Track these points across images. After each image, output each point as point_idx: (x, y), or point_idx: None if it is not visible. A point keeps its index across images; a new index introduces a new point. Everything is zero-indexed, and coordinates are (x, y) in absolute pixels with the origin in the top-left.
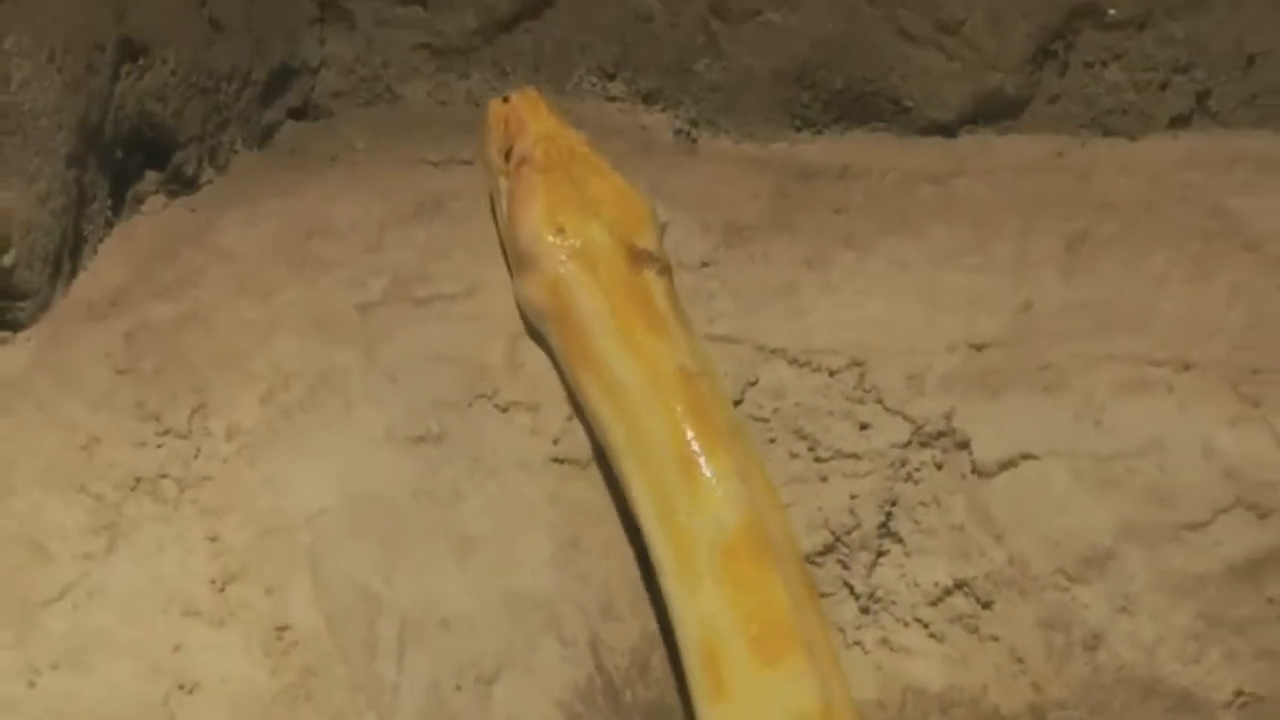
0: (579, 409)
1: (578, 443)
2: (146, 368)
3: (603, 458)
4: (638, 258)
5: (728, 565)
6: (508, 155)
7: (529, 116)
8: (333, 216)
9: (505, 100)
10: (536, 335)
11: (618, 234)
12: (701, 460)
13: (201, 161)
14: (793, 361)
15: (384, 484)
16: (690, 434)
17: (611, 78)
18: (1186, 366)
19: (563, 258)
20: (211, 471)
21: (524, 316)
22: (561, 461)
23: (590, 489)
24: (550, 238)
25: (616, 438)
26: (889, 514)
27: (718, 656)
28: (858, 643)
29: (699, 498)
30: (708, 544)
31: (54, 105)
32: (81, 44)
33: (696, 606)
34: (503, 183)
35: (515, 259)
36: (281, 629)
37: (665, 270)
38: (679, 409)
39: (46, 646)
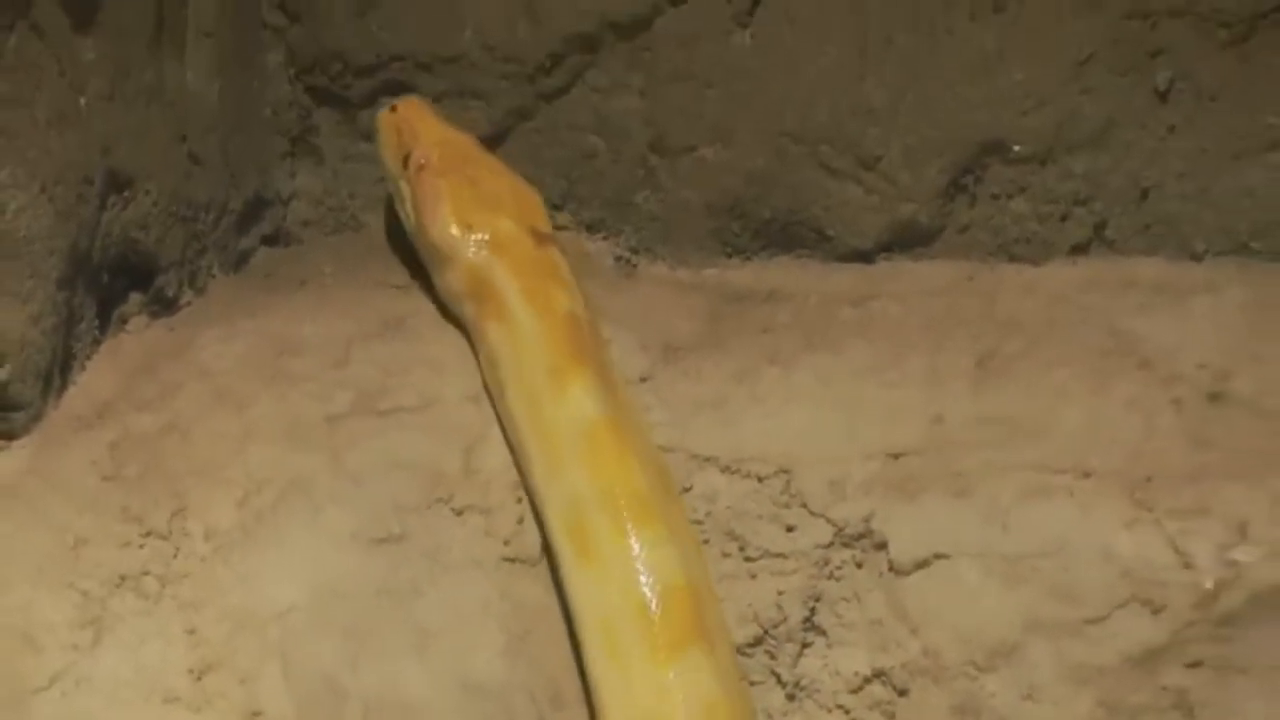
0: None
1: (527, 543)
2: (130, 474)
3: (548, 555)
4: (541, 240)
5: (590, 449)
6: (405, 160)
7: (420, 124)
8: (302, 335)
9: (393, 110)
10: (454, 319)
11: (520, 222)
12: (571, 369)
13: (182, 285)
14: (724, 469)
15: (349, 581)
16: (565, 350)
17: (559, 208)
18: (1086, 474)
19: (474, 249)
20: (190, 570)
21: (443, 303)
22: (512, 560)
23: (538, 586)
24: (460, 234)
25: (505, 364)
26: (813, 609)
27: (584, 526)
28: None
29: (564, 397)
30: (571, 433)
31: (46, 232)
32: (71, 177)
33: (561, 487)
34: (404, 186)
35: (429, 255)
36: (254, 715)
37: (563, 250)
38: (559, 334)
39: None
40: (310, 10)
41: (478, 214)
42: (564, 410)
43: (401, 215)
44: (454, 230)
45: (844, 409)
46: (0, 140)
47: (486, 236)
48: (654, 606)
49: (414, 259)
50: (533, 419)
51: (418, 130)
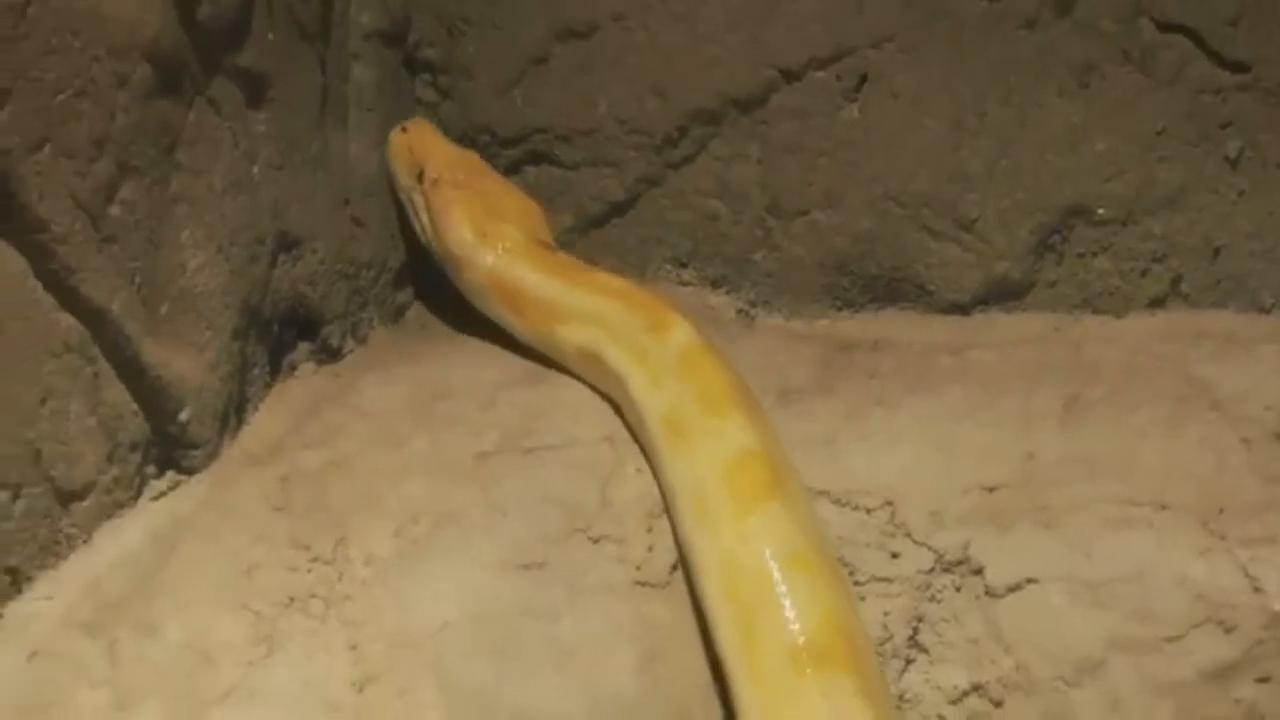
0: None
1: (657, 568)
2: (298, 506)
3: (677, 577)
4: (546, 247)
5: (687, 364)
6: (419, 176)
7: (430, 142)
8: (453, 381)
9: (404, 130)
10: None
11: (525, 231)
12: (667, 310)
13: (345, 335)
14: (835, 501)
15: (496, 604)
16: (650, 300)
17: (684, 266)
18: (1163, 507)
19: (491, 256)
20: (352, 592)
21: (470, 302)
22: (644, 585)
23: (668, 607)
24: (476, 241)
25: (589, 336)
26: (916, 628)
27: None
28: None
29: (663, 330)
30: (670, 358)
31: (222, 288)
32: (245, 238)
33: (656, 396)
34: (418, 199)
35: (448, 261)
36: None
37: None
38: (634, 292)
39: None
40: (460, 87)
41: (489, 224)
42: (665, 341)
43: (416, 226)
44: (469, 237)
45: (943, 447)
46: (182, 206)
47: (500, 244)
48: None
49: None
50: (639, 355)
51: (429, 148)
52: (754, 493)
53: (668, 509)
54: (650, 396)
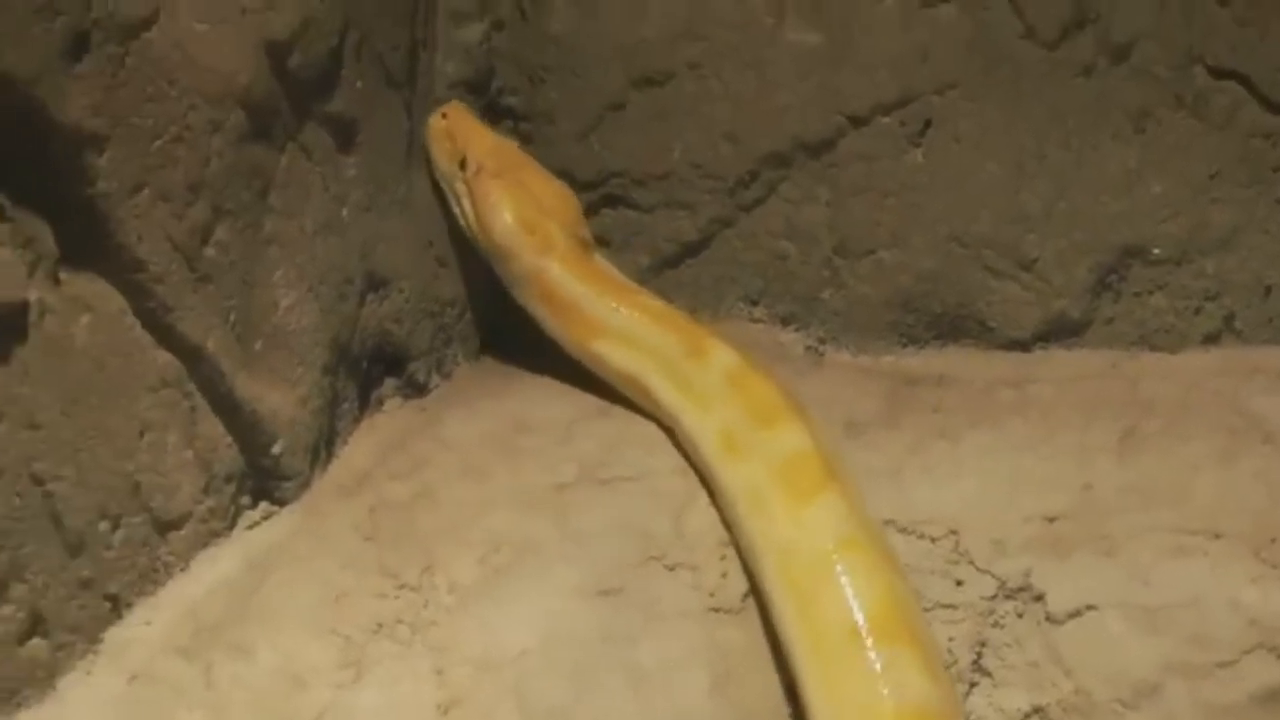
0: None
1: (730, 595)
2: (386, 535)
3: (750, 603)
4: (584, 244)
5: (732, 385)
6: (461, 163)
7: (470, 130)
8: (533, 415)
9: (444, 116)
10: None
11: (564, 227)
12: (704, 335)
13: (430, 371)
14: (901, 530)
15: (575, 629)
16: (685, 323)
17: (755, 304)
18: (1217, 536)
19: (533, 252)
20: (437, 618)
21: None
22: (717, 610)
23: (741, 632)
24: (521, 234)
25: (633, 361)
26: (979, 653)
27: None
28: None
29: (703, 355)
30: (715, 381)
31: (313, 326)
32: (334, 277)
33: (707, 420)
34: (459, 186)
35: (490, 252)
36: None
37: (595, 248)
38: (669, 315)
39: None
40: (541, 133)
41: (531, 215)
42: (708, 365)
43: (456, 213)
44: (513, 228)
45: (1005, 478)
46: (274, 247)
47: (540, 238)
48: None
49: None
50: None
51: (469, 136)
52: (809, 486)
53: (726, 519)
54: (702, 423)
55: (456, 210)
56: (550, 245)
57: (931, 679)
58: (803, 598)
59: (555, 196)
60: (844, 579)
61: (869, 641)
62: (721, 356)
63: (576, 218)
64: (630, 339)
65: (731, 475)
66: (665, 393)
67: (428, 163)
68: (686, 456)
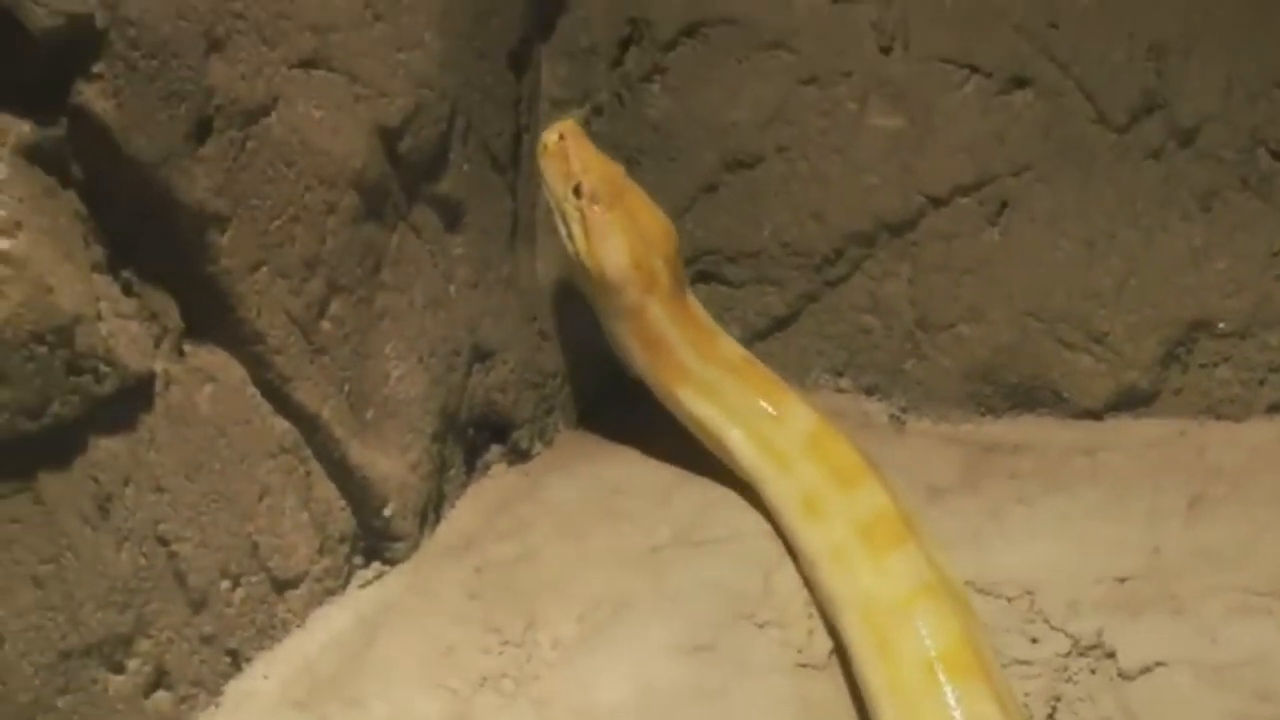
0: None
1: (817, 651)
2: (491, 593)
3: (835, 660)
4: (679, 279)
5: (814, 447)
6: (576, 189)
7: (585, 153)
8: (631, 480)
9: (561, 137)
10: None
11: (667, 263)
12: (784, 393)
13: (533, 438)
14: (979, 590)
15: (669, 683)
16: (765, 380)
17: (840, 375)
18: None
19: (637, 289)
20: (540, 672)
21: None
22: (804, 666)
23: (827, 686)
24: (631, 271)
25: (715, 415)
26: (1054, 707)
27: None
28: None
29: (784, 415)
30: (796, 442)
31: (422, 395)
32: (442, 350)
33: (788, 483)
34: (571, 211)
35: (598, 281)
36: None
37: (688, 285)
38: (752, 371)
39: None
40: None
41: (640, 251)
42: (788, 427)
43: (564, 236)
44: (625, 266)
45: (1078, 541)
46: (386, 320)
47: (647, 277)
48: None
49: None
50: (764, 443)
51: (584, 160)
52: (888, 540)
53: (807, 577)
54: (784, 487)
55: (564, 233)
56: (653, 283)
57: (1003, 712)
58: (882, 641)
59: (659, 228)
60: (920, 621)
61: (944, 677)
62: (801, 418)
63: (676, 250)
64: (713, 391)
65: (814, 537)
66: (745, 451)
67: (538, 181)
68: (767, 514)
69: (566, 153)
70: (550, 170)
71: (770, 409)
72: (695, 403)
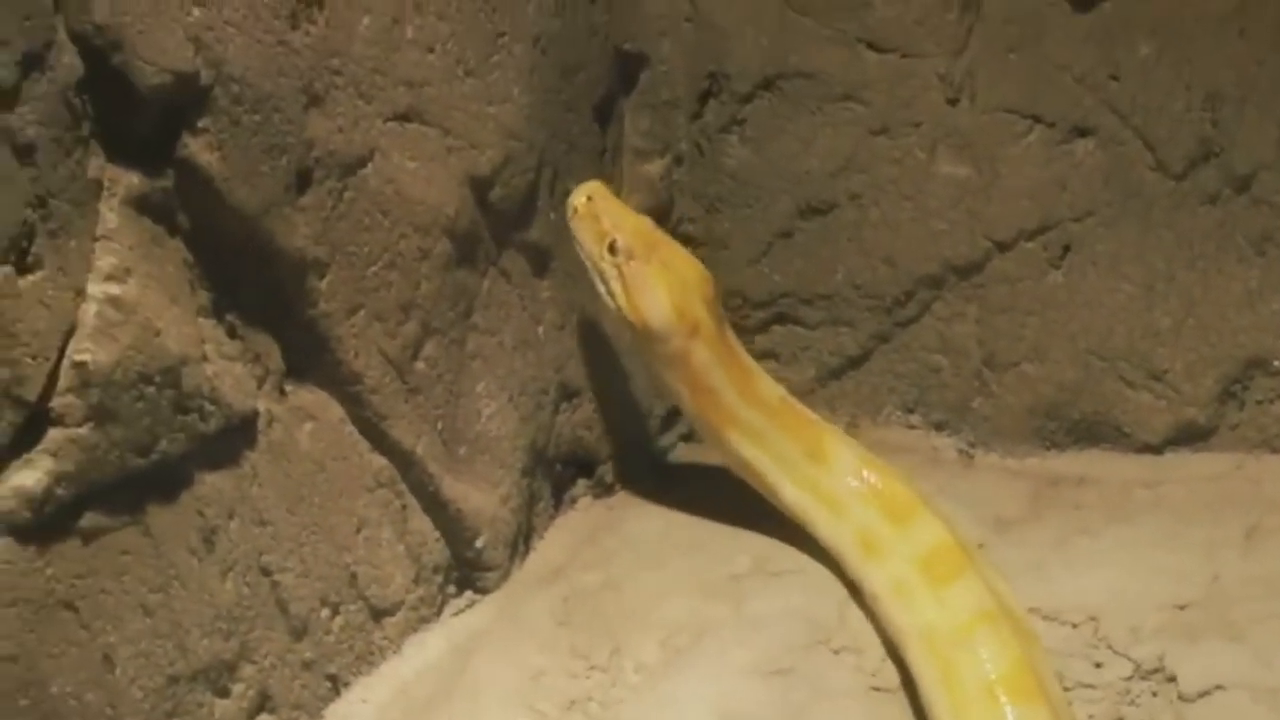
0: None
1: (889, 676)
2: (578, 620)
3: (910, 685)
4: (720, 321)
5: (864, 487)
6: (610, 247)
7: (616, 212)
8: (709, 512)
9: (589, 199)
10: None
11: (707, 306)
12: (821, 433)
13: (617, 473)
14: (1045, 617)
15: (749, 705)
16: (802, 421)
17: (911, 411)
18: None
19: (683, 335)
20: (624, 696)
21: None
22: (878, 690)
23: (899, 710)
24: (675, 319)
25: (762, 459)
26: None
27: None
28: None
29: (823, 455)
30: (843, 481)
31: (512, 432)
32: (531, 389)
33: (843, 526)
34: (608, 269)
35: (644, 333)
36: None
37: (728, 324)
38: (792, 413)
39: None
40: (716, 258)
41: (682, 298)
42: (831, 468)
43: (603, 293)
44: (669, 316)
45: (1140, 570)
46: (478, 361)
47: (690, 323)
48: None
49: None
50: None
51: (617, 218)
52: (948, 571)
53: (870, 610)
54: (839, 530)
55: (603, 291)
56: (696, 328)
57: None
58: (945, 667)
59: (695, 272)
60: (981, 647)
61: (1005, 699)
62: (844, 458)
63: (714, 292)
64: (754, 432)
65: (875, 575)
66: (792, 495)
67: (571, 241)
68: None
69: (596, 213)
70: (583, 232)
71: (808, 450)
72: (743, 445)
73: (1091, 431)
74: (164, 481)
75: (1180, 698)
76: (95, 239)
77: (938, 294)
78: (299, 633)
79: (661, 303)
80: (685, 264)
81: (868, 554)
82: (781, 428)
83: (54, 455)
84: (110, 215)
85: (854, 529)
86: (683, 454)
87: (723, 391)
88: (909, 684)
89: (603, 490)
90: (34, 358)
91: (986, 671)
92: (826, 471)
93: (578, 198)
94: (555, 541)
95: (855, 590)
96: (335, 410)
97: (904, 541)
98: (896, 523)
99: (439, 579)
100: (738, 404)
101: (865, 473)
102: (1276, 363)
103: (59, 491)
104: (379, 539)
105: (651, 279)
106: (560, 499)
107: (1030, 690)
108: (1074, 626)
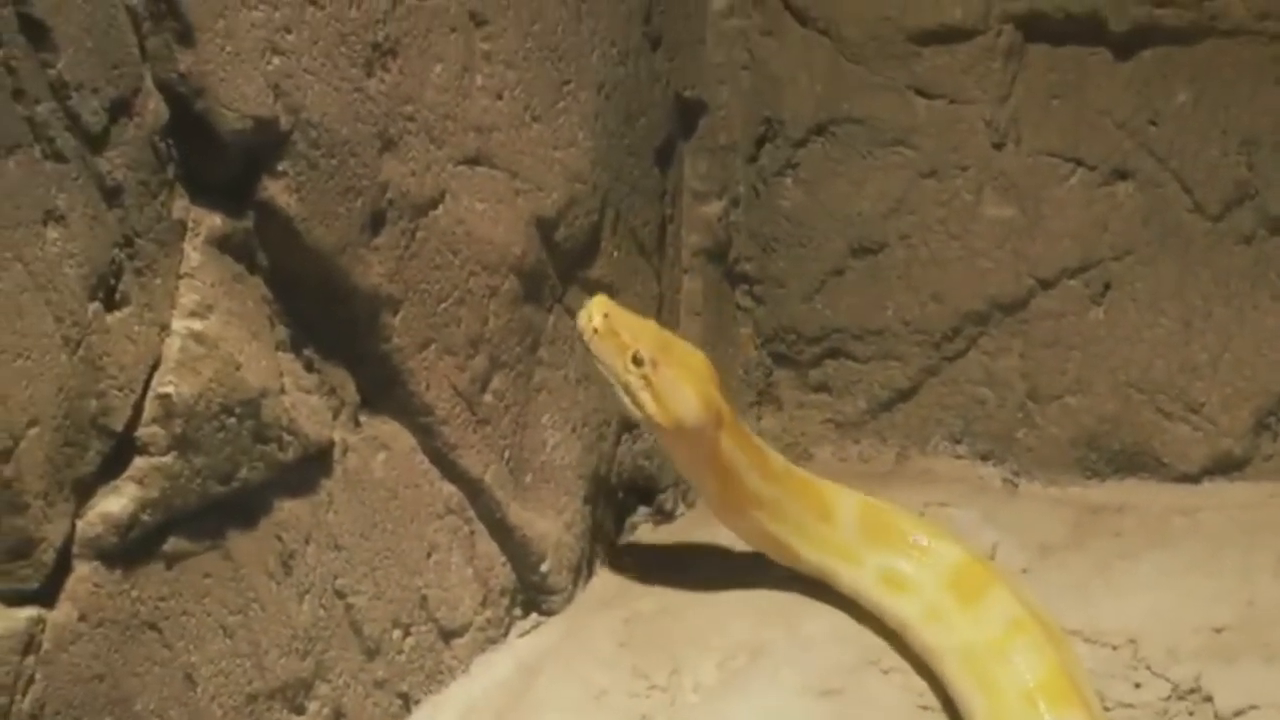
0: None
1: (936, 697)
2: (638, 642)
3: (951, 705)
4: (731, 403)
5: (871, 532)
6: (634, 359)
7: (632, 324)
8: None
9: (605, 316)
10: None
11: (721, 392)
12: (822, 491)
13: (677, 500)
14: (1086, 639)
15: None
16: (807, 485)
17: (958, 442)
18: None
19: (712, 428)
20: (683, 715)
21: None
22: (925, 708)
23: None
24: (705, 414)
25: (782, 530)
26: None
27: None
28: None
29: (831, 512)
30: (852, 532)
31: (576, 462)
32: (594, 420)
33: (862, 571)
34: (635, 381)
35: (678, 433)
36: None
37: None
38: (794, 476)
39: None
40: (771, 295)
41: (705, 392)
42: (838, 522)
43: (628, 404)
44: (701, 412)
45: (1178, 594)
46: (543, 394)
47: (714, 413)
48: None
49: (848, 480)
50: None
51: (632, 330)
52: (975, 588)
53: (903, 638)
54: (860, 575)
55: (628, 402)
56: (720, 417)
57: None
58: (983, 680)
59: (702, 362)
60: (1016, 656)
61: (1042, 705)
62: (846, 508)
63: (720, 380)
64: (772, 507)
65: (904, 608)
66: (814, 558)
67: (601, 362)
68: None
69: (614, 329)
70: (604, 350)
71: (818, 513)
72: (766, 521)
73: (1131, 461)
74: (244, 508)
75: (1216, 717)
76: (179, 277)
77: (984, 329)
78: (372, 653)
79: (691, 401)
80: (694, 357)
81: (892, 590)
82: (793, 496)
83: (139, 483)
84: (194, 254)
85: (873, 572)
86: None
87: (746, 474)
88: (948, 702)
89: (663, 517)
90: (121, 390)
91: (1024, 680)
92: (834, 527)
93: (594, 317)
94: (617, 566)
95: (889, 629)
96: (407, 440)
97: (925, 569)
98: (916, 554)
99: (506, 602)
100: (759, 483)
101: (870, 514)
102: None
103: (144, 517)
104: (448, 563)
105: (678, 380)
106: (621, 525)
107: (1066, 695)
108: (1114, 648)
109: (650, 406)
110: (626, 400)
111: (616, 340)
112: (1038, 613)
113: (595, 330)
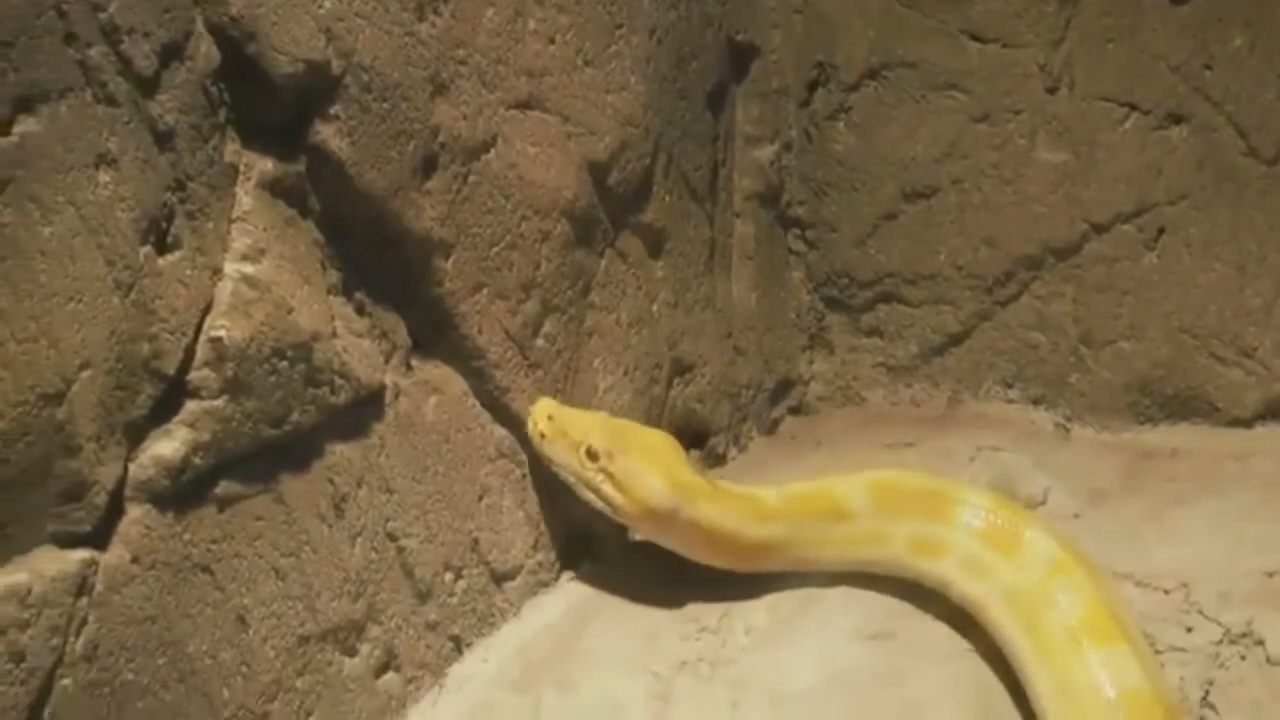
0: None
1: (983, 640)
2: (690, 586)
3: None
4: (701, 470)
5: (885, 502)
6: (589, 454)
7: (579, 420)
8: None
9: (550, 419)
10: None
11: (688, 466)
12: (832, 492)
13: (729, 444)
14: (1138, 584)
15: (853, 667)
16: (808, 496)
17: (1010, 387)
18: None
19: (686, 504)
20: (734, 658)
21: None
22: (973, 651)
23: (998, 671)
24: (673, 493)
25: (800, 553)
26: (1207, 691)
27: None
28: None
29: (842, 511)
30: (871, 517)
31: (627, 405)
32: (646, 364)
33: (888, 545)
34: (593, 476)
35: (651, 519)
36: None
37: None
38: (788, 498)
39: None
40: (824, 239)
41: (675, 472)
42: (853, 518)
43: (596, 501)
44: (670, 492)
45: (1230, 539)
46: (594, 338)
47: (686, 491)
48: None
49: (901, 425)
50: (839, 542)
51: (580, 426)
52: (1010, 534)
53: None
54: (886, 547)
55: (592, 498)
56: (692, 490)
57: (1143, 669)
58: (1028, 622)
59: (661, 440)
60: (1060, 595)
61: (1086, 642)
62: (856, 497)
63: (685, 454)
64: (786, 540)
65: (939, 568)
66: (844, 556)
67: (556, 464)
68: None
69: (562, 429)
70: (556, 451)
71: (829, 516)
72: (781, 559)
73: (1184, 406)
74: (296, 451)
75: (1269, 661)
76: (231, 221)
77: (1036, 274)
78: (423, 595)
79: (655, 485)
80: (653, 437)
81: (921, 553)
82: (800, 515)
83: (191, 426)
84: (245, 198)
85: (902, 540)
86: (792, 426)
87: (742, 529)
88: (992, 646)
89: (714, 460)
90: (172, 333)
91: (1068, 618)
92: (853, 520)
93: (539, 422)
94: None
95: (924, 590)
96: (459, 384)
97: (960, 524)
98: (935, 518)
99: (557, 545)
100: (760, 529)
101: (881, 485)
102: None
103: (196, 460)
104: (500, 506)
105: (637, 467)
106: None
107: (1110, 631)
108: (1166, 593)
109: (616, 499)
110: (591, 496)
111: (566, 440)
112: (1076, 551)
113: (542, 435)
